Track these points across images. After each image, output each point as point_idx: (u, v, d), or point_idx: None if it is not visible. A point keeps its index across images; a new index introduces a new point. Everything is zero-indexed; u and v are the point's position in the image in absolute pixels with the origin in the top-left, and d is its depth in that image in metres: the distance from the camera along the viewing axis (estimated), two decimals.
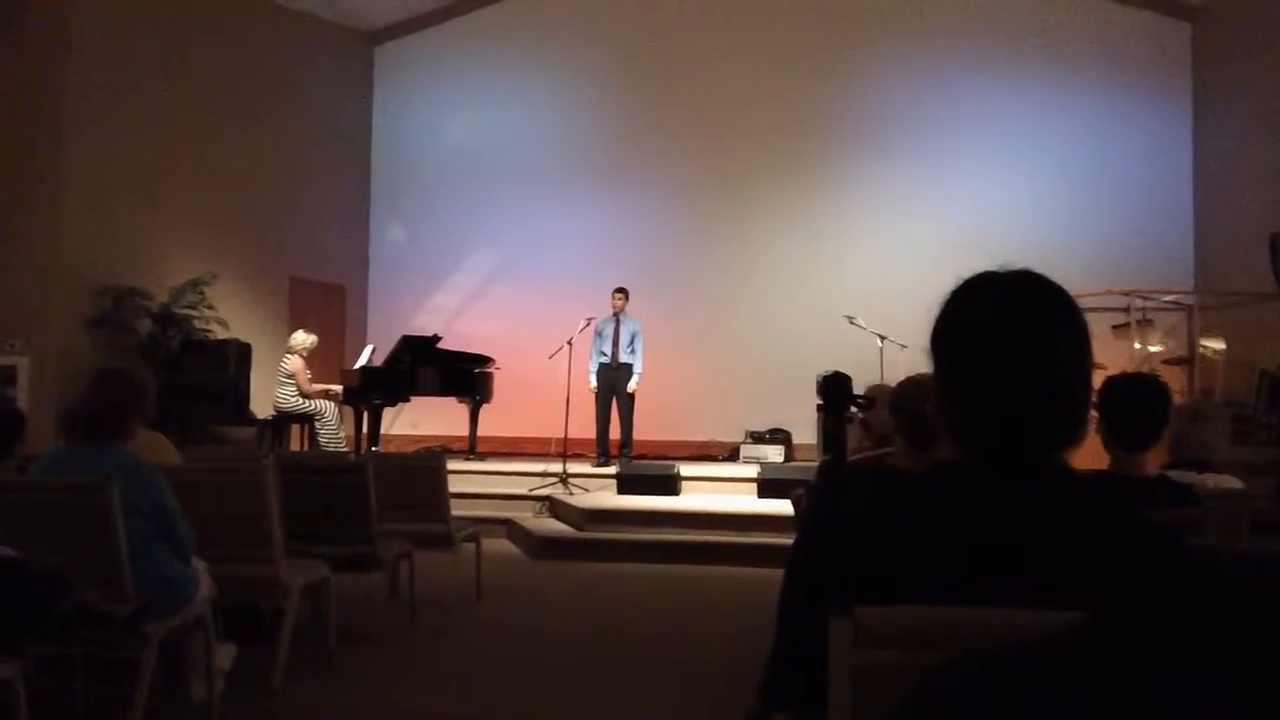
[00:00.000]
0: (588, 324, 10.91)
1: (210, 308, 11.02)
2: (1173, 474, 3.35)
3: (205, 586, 4.05)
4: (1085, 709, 0.70)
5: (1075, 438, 1.32)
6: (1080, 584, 1.17)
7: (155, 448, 4.49)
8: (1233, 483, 3.53)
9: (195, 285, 10.95)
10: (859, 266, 12.73)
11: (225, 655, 4.43)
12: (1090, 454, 2.15)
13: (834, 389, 3.09)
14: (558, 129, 13.89)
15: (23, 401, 9.67)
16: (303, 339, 10.78)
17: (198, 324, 10.97)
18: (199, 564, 4.07)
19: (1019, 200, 12.51)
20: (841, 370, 3.18)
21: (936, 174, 12.93)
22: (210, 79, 11.93)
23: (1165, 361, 10.73)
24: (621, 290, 11.27)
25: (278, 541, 4.54)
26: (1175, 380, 10.08)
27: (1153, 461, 3.29)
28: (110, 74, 10.80)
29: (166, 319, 10.80)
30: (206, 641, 4.09)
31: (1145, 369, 9.47)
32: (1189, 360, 10.90)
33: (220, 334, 11.08)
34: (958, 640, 1.11)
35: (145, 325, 10.75)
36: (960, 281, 1.39)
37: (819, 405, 3.13)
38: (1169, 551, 1.26)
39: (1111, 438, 3.13)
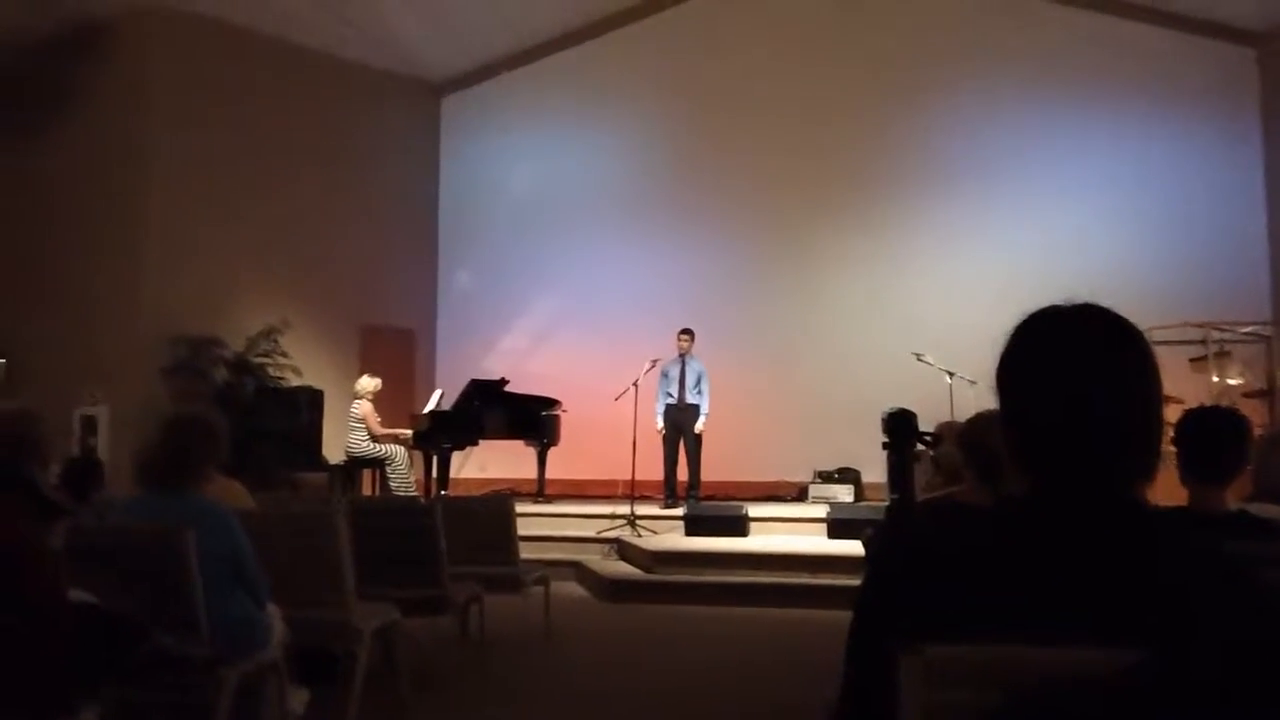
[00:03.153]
0: (653, 365, 10.91)
1: (284, 355, 11.20)
2: (1253, 508, 3.25)
3: (279, 631, 4.09)
4: None
5: (1146, 471, 1.30)
6: (1150, 622, 1.14)
7: (230, 493, 4.55)
8: None
9: (269, 334, 11.16)
10: (926, 302, 12.60)
11: (298, 700, 4.46)
12: (1169, 490, 2.10)
13: (899, 425, 3.06)
14: (620, 174, 13.98)
15: (103, 450, 9.89)
16: (367, 383, 10.93)
17: (272, 371, 11.16)
18: (272, 608, 4.10)
19: (1089, 232, 12.31)
20: (908, 407, 3.15)
21: (1004, 207, 12.80)
22: (283, 134, 12.21)
23: (1245, 395, 10.48)
24: (687, 331, 11.27)
25: (349, 585, 4.57)
26: (1256, 414, 9.84)
27: (1233, 496, 3.20)
28: (187, 133, 11.11)
29: (242, 367, 11.01)
30: (280, 686, 4.12)
31: (1224, 402, 9.25)
32: (1269, 392, 10.64)
33: (293, 381, 11.26)
34: (1027, 680, 1.09)
35: (221, 373, 10.96)
36: (1023, 316, 1.37)
37: (884, 443, 3.10)
38: (1241, 588, 1.22)
39: (1188, 472, 3.05)
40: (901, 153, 13.09)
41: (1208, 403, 7.43)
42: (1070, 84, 12.74)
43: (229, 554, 3.84)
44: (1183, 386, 9.39)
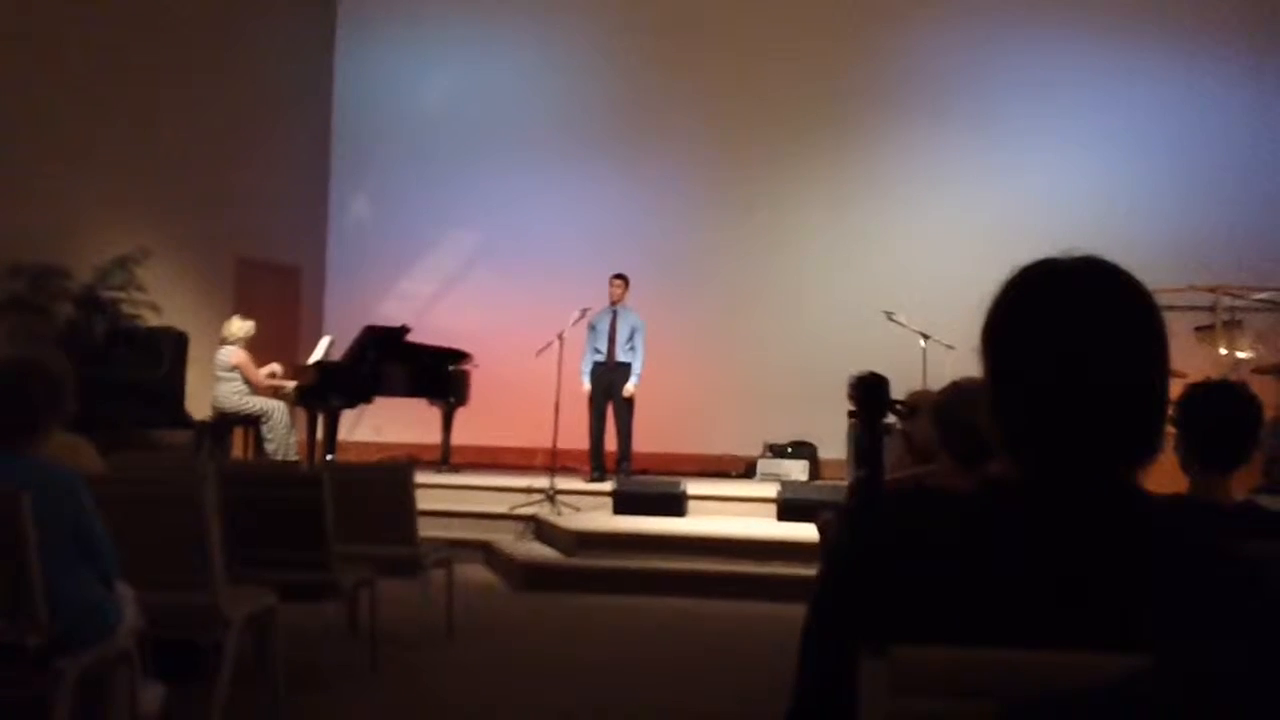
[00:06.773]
0: (581, 316, 10.89)
1: (141, 290, 10.98)
2: (1263, 499, 3.34)
3: (131, 616, 4.04)
4: None
5: (1147, 454, 1.32)
6: (1144, 626, 1.17)
7: (74, 453, 4.48)
8: None
9: (124, 264, 10.92)
10: (901, 254, 12.70)
11: (153, 697, 4.42)
12: (1167, 476, 2.15)
13: (869, 392, 3.09)
14: (553, 88, 13.87)
15: None
16: (238, 326, 10.79)
17: (126, 309, 10.95)
18: (124, 589, 4.06)
19: (1091, 179, 12.46)
20: (878, 372, 3.18)
21: (995, 146, 12.90)
22: (144, 26, 11.90)
23: (1256, 370, 10.70)
24: (621, 277, 11.27)
25: (217, 565, 4.53)
26: (1268, 392, 10.05)
27: (1240, 485, 3.28)
28: (26, 19, 10.78)
29: (90, 303, 10.78)
30: (131, 680, 4.08)
31: (1232, 378, 9.44)
32: None
33: (152, 321, 11.06)
34: (1006, 686, 1.11)
35: (66, 310, 10.73)
36: (1015, 270, 1.39)
37: (850, 412, 3.12)
38: (1247, 590, 1.26)
39: (1191, 457, 3.12)
40: (879, 75, 13.12)
41: (1214, 377, 7.59)
42: (1084, 5, 12.79)
43: (72, 524, 3.79)
44: (1187, 358, 9.58)
